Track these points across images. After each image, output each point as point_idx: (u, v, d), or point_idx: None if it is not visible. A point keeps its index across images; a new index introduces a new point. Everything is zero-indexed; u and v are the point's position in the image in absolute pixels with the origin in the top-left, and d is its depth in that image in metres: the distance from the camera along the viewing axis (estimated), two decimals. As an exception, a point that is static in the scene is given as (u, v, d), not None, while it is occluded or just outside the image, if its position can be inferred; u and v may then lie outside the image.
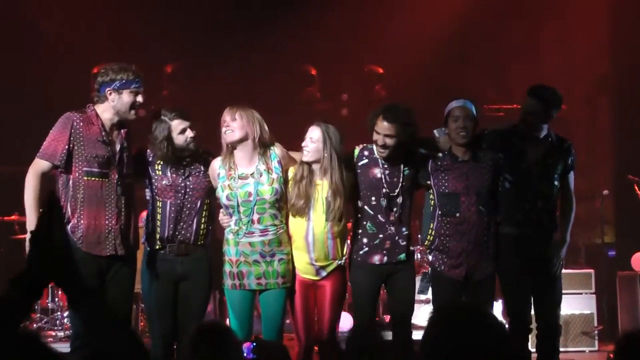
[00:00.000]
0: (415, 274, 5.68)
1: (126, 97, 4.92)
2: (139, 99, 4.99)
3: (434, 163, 5.38)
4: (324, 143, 5.19)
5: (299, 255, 5.29)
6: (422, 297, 7.48)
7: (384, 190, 5.29)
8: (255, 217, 5.15)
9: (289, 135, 11.54)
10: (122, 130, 5.06)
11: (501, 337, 2.08)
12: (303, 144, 5.26)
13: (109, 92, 4.90)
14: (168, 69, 11.25)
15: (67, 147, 4.87)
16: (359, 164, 5.41)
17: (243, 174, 5.22)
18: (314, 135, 5.24)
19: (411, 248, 5.51)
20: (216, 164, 5.28)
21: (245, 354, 3.38)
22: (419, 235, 6.09)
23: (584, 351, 8.31)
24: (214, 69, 10.63)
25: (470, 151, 5.39)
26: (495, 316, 2.20)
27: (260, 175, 5.19)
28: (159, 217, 5.19)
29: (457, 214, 5.34)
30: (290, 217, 5.29)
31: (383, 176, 5.30)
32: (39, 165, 4.91)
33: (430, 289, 5.59)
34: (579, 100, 10.82)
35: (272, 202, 5.16)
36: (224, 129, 5.23)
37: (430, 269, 5.76)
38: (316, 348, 5.60)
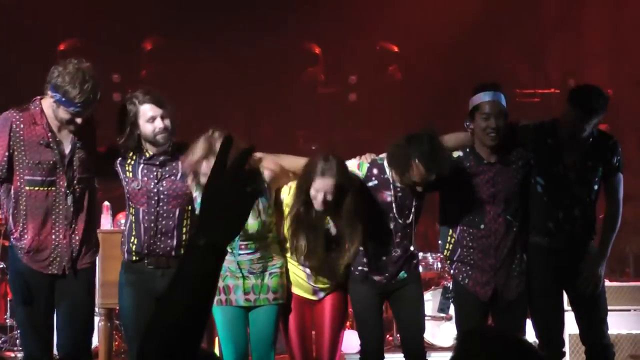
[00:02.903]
0: (422, 284, 5.67)
1: (62, 113, 4.77)
2: (78, 121, 4.85)
3: (455, 167, 5.30)
4: (340, 190, 5.08)
5: (294, 270, 5.28)
6: (443, 314, 7.50)
7: (392, 214, 5.26)
8: (243, 244, 5.14)
9: (288, 124, 11.54)
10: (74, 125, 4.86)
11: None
12: (316, 199, 5.09)
13: (50, 96, 4.83)
14: (147, 45, 11.26)
15: (6, 153, 4.81)
16: (368, 184, 5.29)
17: None
18: (328, 189, 5.04)
19: (415, 258, 5.49)
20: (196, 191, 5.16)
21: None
22: (439, 242, 6.07)
23: (632, 377, 8.31)
24: (201, 46, 10.64)
25: (498, 151, 5.34)
26: (531, 343, 2.22)
27: None
28: (133, 225, 5.16)
29: (482, 226, 5.31)
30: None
31: (393, 200, 5.25)
32: None
33: (452, 306, 5.58)
34: (627, 83, 10.81)
35: (260, 231, 5.13)
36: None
37: (452, 282, 5.73)
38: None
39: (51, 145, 4.88)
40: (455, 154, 5.36)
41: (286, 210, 5.18)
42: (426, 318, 5.92)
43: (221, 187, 1.96)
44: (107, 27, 10.36)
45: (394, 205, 5.26)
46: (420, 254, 7.29)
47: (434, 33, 10.47)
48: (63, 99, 4.74)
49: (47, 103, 4.89)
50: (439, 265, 8.13)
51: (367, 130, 11.07)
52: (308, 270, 5.26)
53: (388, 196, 5.26)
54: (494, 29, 10.96)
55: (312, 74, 11.48)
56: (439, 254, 7.83)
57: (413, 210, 5.30)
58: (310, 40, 11.38)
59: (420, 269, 5.94)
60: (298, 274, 5.29)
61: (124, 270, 5.27)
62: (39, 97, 4.92)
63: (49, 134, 4.89)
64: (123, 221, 5.69)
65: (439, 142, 5.15)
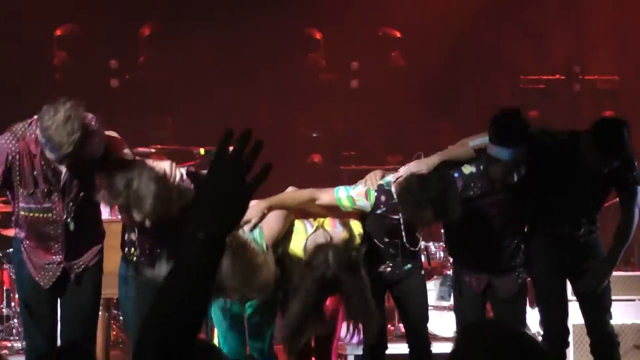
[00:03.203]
0: (424, 274, 5.67)
1: (48, 154, 4.71)
2: (62, 168, 4.86)
3: (465, 191, 5.22)
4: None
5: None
6: (445, 303, 7.51)
7: (401, 234, 5.25)
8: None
9: (287, 111, 11.52)
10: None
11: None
12: None
13: (38, 134, 4.68)
14: (145, 31, 11.24)
15: (1, 179, 4.77)
16: (376, 212, 5.23)
17: None
18: None
19: (419, 247, 5.49)
20: None
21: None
22: (441, 230, 6.09)
23: (637, 368, 8.32)
24: (200, 31, 10.63)
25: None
26: (532, 337, 2.23)
27: None
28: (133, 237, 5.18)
29: (483, 239, 5.34)
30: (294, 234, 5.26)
31: (402, 223, 5.23)
32: None
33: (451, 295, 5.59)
34: (632, 67, 10.80)
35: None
36: None
37: (453, 271, 5.75)
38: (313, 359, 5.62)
39: (47, 176, 4.82)
40: (468, 169, 5.22)
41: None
42: (429, 308, 5.93)
43: (219, 180, 1.95)
44: (104, 13, 10.34)
45: (402, 227, 5.23)
46: (423, 243, 7.26)
47: (437, 18, 10.46)
48: (48, 145, 4.63)
49: None
50: (442, 255, 8.13)
51: (369, 117, 11.06)
52: None
53: (396, 219, 5.22)
54: (497, 14, 10.95)
55: (313, 59, 11.45)
56: (441, 243, 7.83)
57: (422, 231, 5.32)
58: (310, 25, 11.35)
59: (423, 258, 5.95)
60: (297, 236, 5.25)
61: (124, 261, 5.29)
62: (35, 118, 4.76)
63: (43, 166, 4.81)
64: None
65: (452, 189, 5.03)
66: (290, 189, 5.25)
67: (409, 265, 5.37)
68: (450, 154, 5.27)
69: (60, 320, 5.08)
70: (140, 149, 8.00)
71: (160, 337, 1.94)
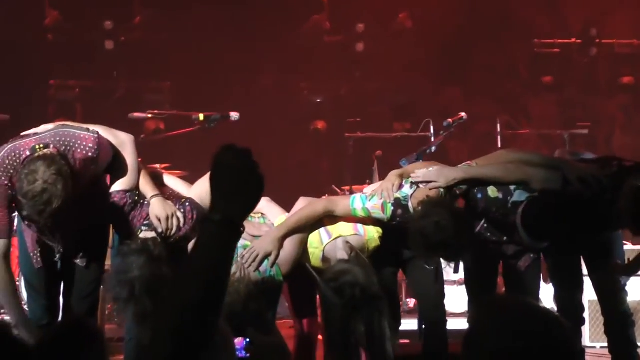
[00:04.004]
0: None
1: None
2: None
3: (483, 214, 5.16)
4: None
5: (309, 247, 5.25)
6: (454, 277, 7.50)
7: None
8: None
9: (290, 75, 11.47)
10: None
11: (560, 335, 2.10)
12: None
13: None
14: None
15: (7, 218, 4.71)
16: (392, 223, 5.18)
17: None
18: None
19: None
20: None
21: (237, 353, 3.37)
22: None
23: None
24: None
25: None
26: (558, 315, 2.22)
27: None
28: None
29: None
30: None
31: None
32: None
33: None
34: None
35: None
36: None
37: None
38: (320, 337, 5.60)
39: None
40: (494, 193, 5.05)
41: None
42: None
43: (232, 163, 2.08)
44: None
45: None
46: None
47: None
48: (20, 205, 4.57)
49: None
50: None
51: (375, 82, 11.02)
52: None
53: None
54: (511, -26, 10.89)
55: (317, 21, 11.40)
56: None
57: None
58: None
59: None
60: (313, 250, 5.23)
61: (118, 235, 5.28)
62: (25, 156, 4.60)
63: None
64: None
65: (466, 232, 4.95)
66: (301, 201, 5.18)
67: None
68: (481, 172, 5.07)
69: (62, 294, 5.08)
70: (136, 115, 7.97)
71: (180, 322, 2.02)
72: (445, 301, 5.47)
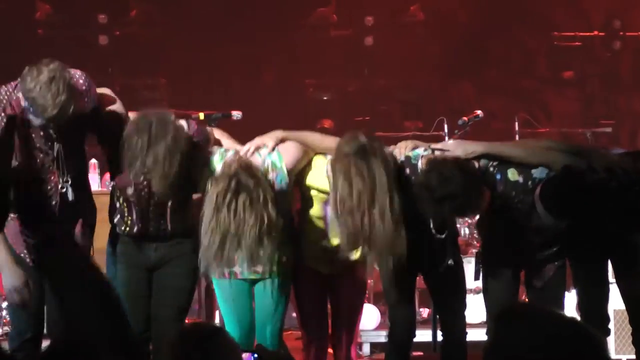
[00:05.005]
0: (460, 252, 5.64)
1: (33, 119, 4.76)
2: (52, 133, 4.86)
3: (501, 199, 5.05)
4: None
5: (312, 243, 5.26)
6: (471, 285, 7.46)
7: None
8: None
9: (295, 71, 11.47)
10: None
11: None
12: None
13: (21, 98, 4.74)
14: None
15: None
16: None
17: None
18: None
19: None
20: None
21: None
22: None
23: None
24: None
25: None
26: (588, 326, 2.17)
27: None
28: (125, 210, 5.18)
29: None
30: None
31: None
32: None
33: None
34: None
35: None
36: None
37: (482, 247, 5.69)
38: (330, 350, 5.62)
39: (42, 148, 4.88)
40: (515, 176, 5.02)
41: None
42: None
43: None
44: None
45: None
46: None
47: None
48: (32, 109, 4.69)
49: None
50: (467, 232, 8.08)
51: (385, 78, 11.03)
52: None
53: None
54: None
55: (323, 14, 11.41)
56: (466, 219, 7.76)
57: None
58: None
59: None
60: (316, 247, 5.24)
61: (111, 238, 5.25)
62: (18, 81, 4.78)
63: (38, 137, 4.87)
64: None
65: (476, 186, 4.93)
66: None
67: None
68: (503, 149, 5.07)
69: (47, 302, 5.06)
70: (131, 114, 7.94)
71: None
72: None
